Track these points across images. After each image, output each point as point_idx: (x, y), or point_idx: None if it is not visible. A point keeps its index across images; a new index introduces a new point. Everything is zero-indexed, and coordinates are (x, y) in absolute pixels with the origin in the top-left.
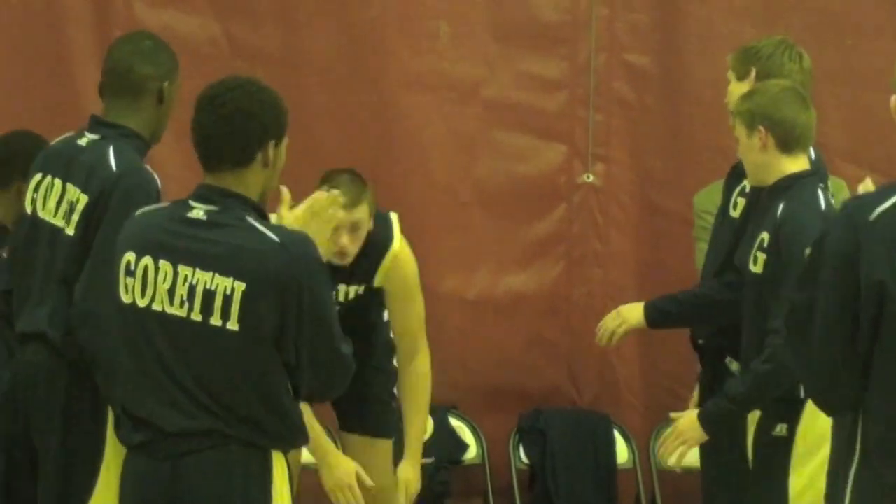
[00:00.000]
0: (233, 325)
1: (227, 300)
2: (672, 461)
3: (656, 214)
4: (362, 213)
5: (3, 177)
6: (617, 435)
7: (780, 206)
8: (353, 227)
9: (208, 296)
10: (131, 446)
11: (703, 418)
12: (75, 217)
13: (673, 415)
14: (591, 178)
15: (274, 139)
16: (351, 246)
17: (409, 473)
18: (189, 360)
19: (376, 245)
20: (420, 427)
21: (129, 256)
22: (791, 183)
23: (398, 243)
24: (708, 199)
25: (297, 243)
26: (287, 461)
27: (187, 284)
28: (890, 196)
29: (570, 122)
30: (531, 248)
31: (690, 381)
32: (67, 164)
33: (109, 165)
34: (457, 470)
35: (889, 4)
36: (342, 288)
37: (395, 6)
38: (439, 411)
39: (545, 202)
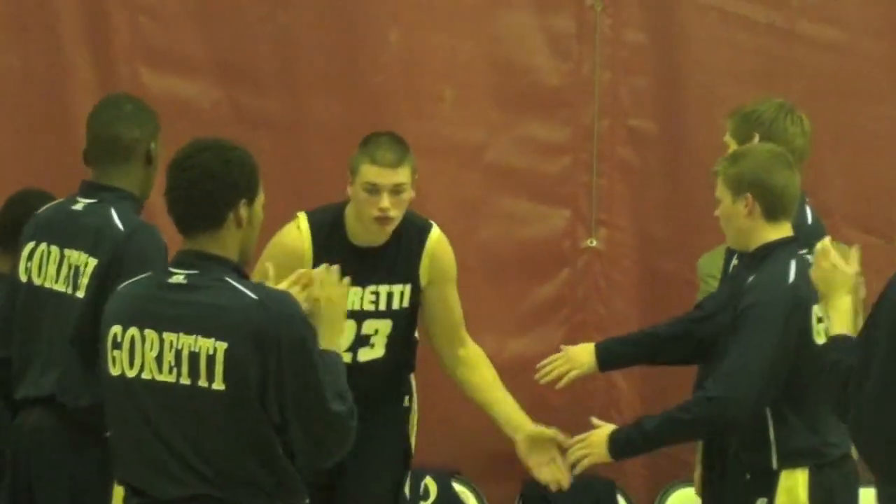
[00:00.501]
0: (219, 385)
1: (211, 360)
2: (573, 470)
3: (659, 278)
4: (404, 176)
5: (16, 235)
6: (621, 501)
7: (751, 277)
8: (395, 190)
9: (194, 358)
10: None
11: (611, 439)
12: (84, 280)
13: (595, 421)
14: (595, 242)
15: (244, 198)
16: (393, 210)
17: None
18: (181, 425)
19: (414, 231)
20: (513, 401)
21: (116, 329)
22: (768, 252)
23: (436, 228)
24: (711, 262)
25: (275, 300)
26: None
27: (174, 350)
28: None
29: (573, 187)
30: (534, 313)
31: (694, 447)
32: (63, 230)
33: (116, 226)
34: None
35: (890, 69)
36: (384, 291)
37: (398, 71)
38: (442, 476)
39: (549, 267)
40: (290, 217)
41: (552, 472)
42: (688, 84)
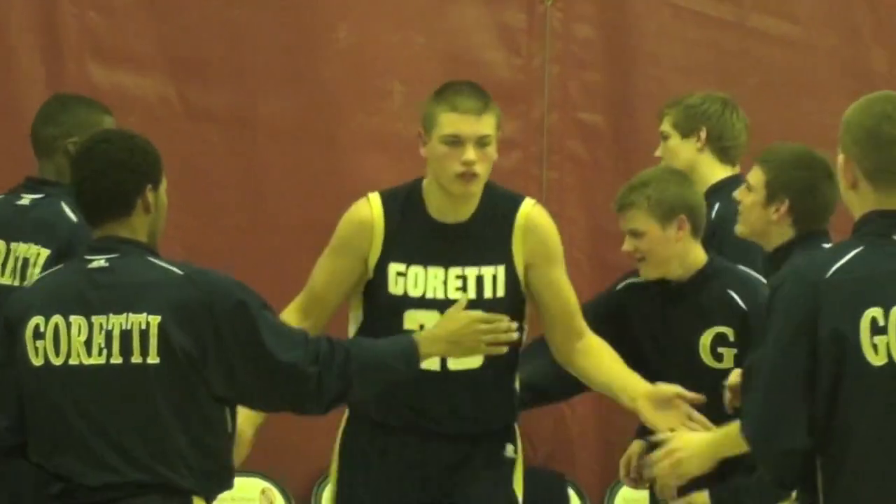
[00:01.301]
0: (153, 359)
1: (145, 335)
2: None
3: (609, 270)
4: (489, 127)
5: None
6: (571, 493)
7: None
8: (481, 142)
9: (125, 336)
10: (49, 494)
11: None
12: (35, 270)
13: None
14: None
15: (150, 184)
16: (479, 164)
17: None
18: (111, 408)
19: (504, 204)
20: (627, 371)
21: (37, 320)
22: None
23: (531, 200)
24: None
25: (200, 273)
26: None
27: (104, 332)
28: (843, 254)
29: (524, 180)
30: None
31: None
32: (9, 225)
33: (69, 218)
34: None
35: (840, 63)
36: (471, 274)
37: (348, 66)
38: None
39: None
40: (242, 211)
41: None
42: (638, 78)
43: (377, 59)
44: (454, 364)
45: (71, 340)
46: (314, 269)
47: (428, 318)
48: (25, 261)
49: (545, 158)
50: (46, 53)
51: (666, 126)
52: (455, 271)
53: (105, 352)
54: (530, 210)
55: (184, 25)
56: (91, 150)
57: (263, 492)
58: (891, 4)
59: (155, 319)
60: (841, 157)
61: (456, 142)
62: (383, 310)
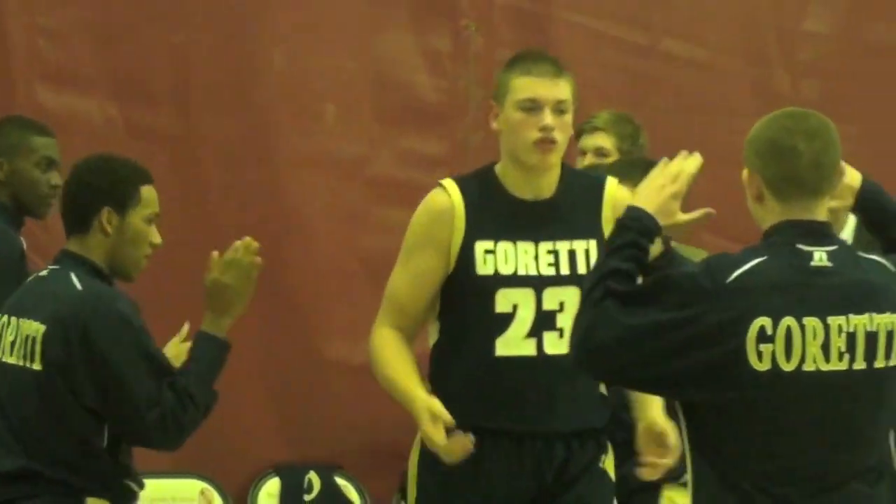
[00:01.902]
0: (37, 366)
1: (33, 342)
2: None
3: None
4: (566, 92)
5: None
6: None
7: None
8: (558, 107)
9: (28, 341)
10: None
11: None
12: None
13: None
14: None
15: (109, 206)
16: (557, 131)
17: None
18: (15, 402)
19: (587, 181)
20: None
21: (4, 319)
22: None
23: (613, 177)
24: None
25: (95, 294)
26: None
27: (22, 334)
28: (747, 261)
29: None
30: None
31: None
32: None
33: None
34: None
35: (747, 85)
36: (563, 248)
37: (284, 89)
38: (324, 471)
39: None
40: (185, 228)
41: (648, 473)
42: None
43: (311, 83)
44: (551, 348)
45: (3, 339)
46: (390, 283)
47: (521, 296)
48: None
49: None
50: None
51: (603, 138)
52: (546, 246)
53: (19, 352)
54: (617, 185)
55: (128, 50)
56: (73, 167)
57: (202, 492)
58: (792, 30)
59: (41, 329)
60: (745, 172)
61: (533, 107)
62: (472, 296)
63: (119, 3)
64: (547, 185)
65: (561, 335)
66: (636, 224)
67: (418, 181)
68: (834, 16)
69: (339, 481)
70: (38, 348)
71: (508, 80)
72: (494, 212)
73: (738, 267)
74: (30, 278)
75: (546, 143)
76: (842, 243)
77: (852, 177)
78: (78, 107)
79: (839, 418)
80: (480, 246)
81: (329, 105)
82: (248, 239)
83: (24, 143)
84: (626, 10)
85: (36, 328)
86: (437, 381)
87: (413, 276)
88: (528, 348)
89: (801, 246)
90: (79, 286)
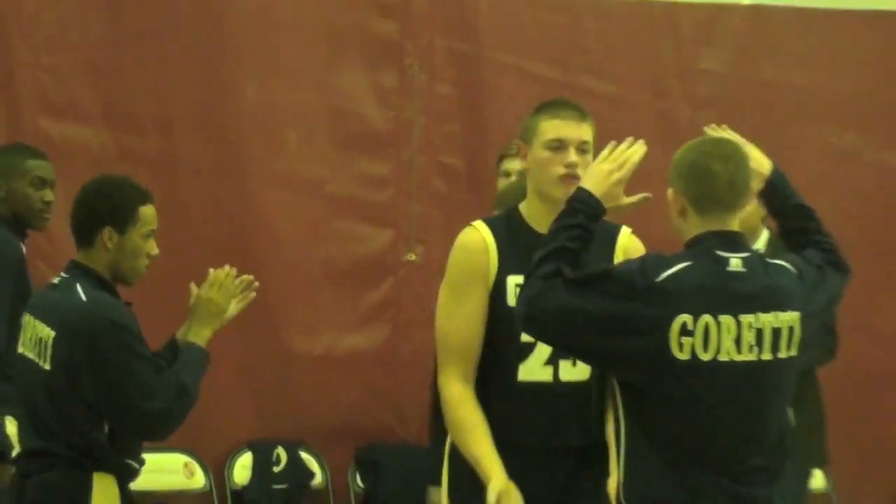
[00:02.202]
0: (47, 365)
1: (45, 345)
2: None
3: None
4: (588, 134)
5: None
6: None
7: None
8: (582, 148)
9: (39, 342)
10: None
11: None
12: None
13: None
14: (413, 257)
15: (110, 226)
16: (580, 169)
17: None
18: (30, 392)
19: (603, 229)
20: None
21: (26, 317)
22: None
23: (627, 227)
24: None
25: (98, 304)
26: (121, 482)
27: (36, 335)
28: (675, 264)
29: (395, 212)
30: (365, 314)
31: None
32: None
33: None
34: (306, 494)
35: (653, 116)
36: None
37: (253, 117)
38: (290, 446)
39: (377, 277)
40: (165, 239)
41: None
42: (489, 128)
43: (277, 113)
44: (565, 375)
45: (25, 337)
46: (443, 332)
47: None
48: None
49: (413, 194)
50: (4, 108)
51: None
52: None
53: (35, 351)
54: (630, 234)
55: (119, 85)
56: (81, 188)
57: (186, 465)
58: (692, 68)
59: (51, 334)
60: (670, 191)
61: (559, 147)
62: (501, 325)
63: (112, 45)
64: None
65: (574, 363)
66: (584, 207)
67: (369, 198)
68: (727, 56)
69: (303, 455)
70: (48, 352)
71: (537, 122)
72: (521, 247)
73: (668, 268)
74: (46, 284)
75: (570, 178)
76: (753, 251)
77: (762, 164)
78: (76, 135)
79: (747, 400)
80: (512, 280)
81: (292, 132)
82: (231, 268)
83: (19, 166)
84: (548, 51)
85: (47, 333)
86: None
87: (467, 316)
88: (546, 374)
89: (719, 252)
90: (83, 297)
